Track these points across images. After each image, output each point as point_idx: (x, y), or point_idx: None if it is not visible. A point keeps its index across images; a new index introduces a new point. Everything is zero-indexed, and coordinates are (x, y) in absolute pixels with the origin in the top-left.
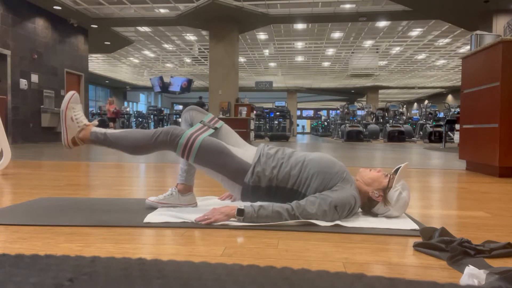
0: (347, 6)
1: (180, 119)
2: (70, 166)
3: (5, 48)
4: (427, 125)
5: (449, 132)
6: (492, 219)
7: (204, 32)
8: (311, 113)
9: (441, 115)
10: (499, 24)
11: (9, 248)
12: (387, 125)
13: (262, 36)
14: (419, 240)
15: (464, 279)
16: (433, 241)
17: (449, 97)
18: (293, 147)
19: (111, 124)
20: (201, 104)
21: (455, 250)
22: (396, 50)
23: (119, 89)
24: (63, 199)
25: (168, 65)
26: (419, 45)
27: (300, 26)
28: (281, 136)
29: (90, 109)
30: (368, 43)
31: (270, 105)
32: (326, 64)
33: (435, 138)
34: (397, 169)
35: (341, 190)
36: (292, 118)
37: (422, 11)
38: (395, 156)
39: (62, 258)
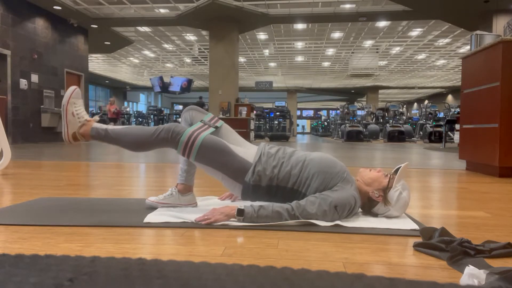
0: (347, 6)
1: (180, 119)
2: (70, 166)
3: (5, 48)
4: (427, 125)
5: (449, 132)
6: (492, 219)
7: (204, 32)
8: (311, 113)
9: (441, 115)
10: (499, 24)
11: (9, 248)
12: (387, 125)
13: (262, 36)
14: (419, 240)
15: (464, 279)
16: (433, 241)
17: (449, 97)
18: (293, 147)
19: (112, 124)
20: (201, 104)
21: (455, 250)
22: (396, 50)
23: (119, 89)
24: (63, 199)
25: (168, 65)
26: (419, 45)
27: (300, 26)
28: (281, 136)
29: (90, 109)
30: (368, 43)
31: (270, 105)
32: (326, 64)
33: (435, 138)
34: (397, 169)
35: (341, 190)
36: (292, 118)
37: (422, 11)
38: (395, 156)
39: (62, 258)
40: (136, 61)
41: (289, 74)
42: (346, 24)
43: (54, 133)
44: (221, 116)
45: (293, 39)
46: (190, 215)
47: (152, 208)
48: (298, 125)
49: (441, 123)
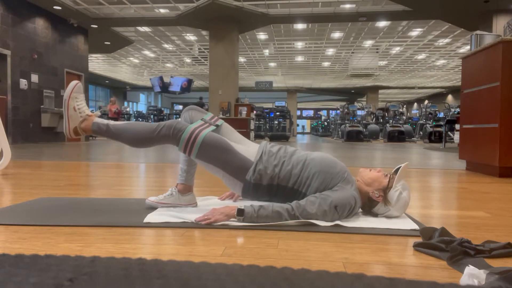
0: (347, 6)
1: (180, 119)
2: (70, 166)
3: (5, 48)
4: (427, 125)
5: (449, 132)
6: (492, 219)
7: (204, 32)
8: (311, 113)
9: (441, 115)
10: (499, 24)
11: (9, 248)
12: (387, 125)
13: (262, 36)
14: (419, 240)
15: (464, 279)
16: (433, 241)
17: (449, 97)
18: (293, 147)
19: None
20: (201, 105)
21: (455, 250)
22: (396, 50)
23: (119, 89)
24: (63, 199)
25: (168, 65)
26: (419, 45)
27: (300, 26)
28: (281, 136)
29: (90, 109)
30: (368, 43)
31: (270, 105)
32: (326, 64)
33: (435, 138)
34: (397, 169)
35: (341, 190)
36: (292, 118)
37: (422, 11)
38: (395, 156)
39: (62, 258)
40: (136, 61)
41: (289, 74)
42: (346, 24)
43: (54, 133)
44: (221, 116)
45: (293, 39)
46: (190, 215)
47: (152, 208)
48: (298, 125)
49: (441, 123)
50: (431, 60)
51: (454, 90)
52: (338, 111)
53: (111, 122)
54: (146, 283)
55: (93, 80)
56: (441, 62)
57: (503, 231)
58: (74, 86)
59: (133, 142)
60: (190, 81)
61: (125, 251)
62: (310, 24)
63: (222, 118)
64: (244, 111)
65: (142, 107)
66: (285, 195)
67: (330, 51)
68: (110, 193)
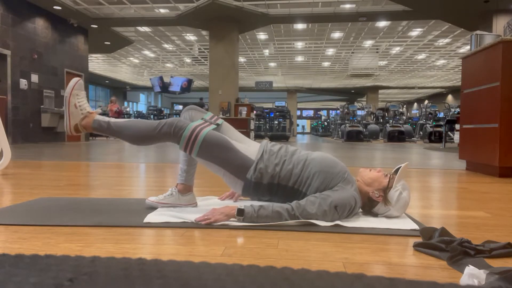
0: (347, 6)
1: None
2: (70, 166)
3: (5, 48)
4: (427, 125)
5: (449, 132)
6: (492, 219)
7: (204, 32)
8: (311, 113)
9: (441, 115)
10: (499, 24)
11: (9, 248)
12: (387, 125)
13: (262, 36)
14: (419, 240)
15: (464, 279)
16: (433, 241)
17: (449, 97)
18: (294, 147)
19: None
20: (201, 105)
21: (455, 250)
22: (396, 50)
23: (119, 89)
24: (63, 199)
25: (168, 65)
26: (419, 45)
27: (300, 26)
28: (281, 136)
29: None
30: (368, 43)
31: (270, 105)
32: (326, 64)
33: (435, 138)
34: (397, 169)
35: (341, 190)
36: (292, 118)
37: (422, 11)
38: (395, 156)
39: (62, 258)
40: (136, 61)
41: (289, 74)
42: (346, 24)
43: (54, 133)
44: (221, 116)
45: (293, 39)
46: (190, 215)
47: (152, 208)
48: (298, 125)
49: (441, 123)
50: (431, 60)
51: (454, 90)
52: (338, 111)
53: (112, 119)
54: (146, 283)
55: (93, 80)
56: (441, 62)
57: (503, 231)
58: (76, 83)
59: (134, 139)
60: (190, 81)
61: (125, 251)
62: (310, 24)
63: (222, 118)
64: (244, 111)
65: (142, 107)
66: (285, 194)
67: (330, 51)
68: (110, 193)
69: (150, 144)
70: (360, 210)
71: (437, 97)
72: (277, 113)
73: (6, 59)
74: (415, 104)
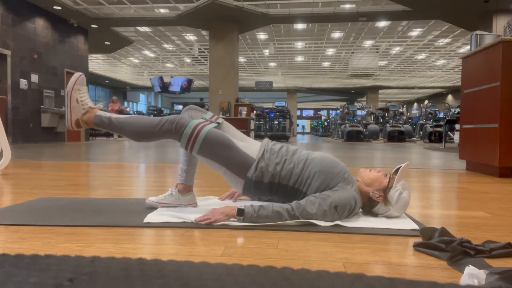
0: (347, 6)
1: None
2: (70, 166)
3: (5, 48)
4: (427, 125)
5: (449, 132)
6: (492, 219)
7: (204, 32)
8: (311, 113)
9: (441, 115)
10: (499, 24)
11: (9, 248)
12: (387, 125)
13: (262, 36)
14: (419, 240)
15: (464, 279)
16: (433, 241)
17: (449, 97)
18: (294, 146)
19: None
20: (202, 106)
21: (455, 250)
22: (396, 50)
23: (119, 89)
24: (63, 199)
25: (168, 65)
26: (419, 45)
27: (300, 26)
28: (281, 136)
29: None
30: (368, 43)
31: (270, 105)
32: (326, 64)
33: (435, 138)
34: (397, 169)
35: (342, 190)
36: (292, 118)
37: (422, 11)
38: (395, 156)
39: (62, 258)
40: (136, 61)
41: (289, 74)
42: (346, 24)
43: (54, 133)
44: (221, 116)
45: (293, 39)
46: (190, 215)
47: (152, 208)
48: (298, 125)
49: (441, 123)
50: (431, 60)
51: (454, 90)
52: (338, 111)
53: (114, 115)
54: (146, 283)
55: (93, 80)
56: (441, 62)
57: (503, 231)
58: (78, 78)
59: (135, 135)
60: (190, 81)
61: (125, 251)
62: (310, 24)
63: (222, 118)
64: (244, 111)
65: (142, 107)
66: (285, 193)
67: (330, 51)
68: (110, 193)
69: (151, 140)
70: (360, 210)
71: (437, 97)
72: (277, 113)
73: (6, 59)
74: (415, 104)
